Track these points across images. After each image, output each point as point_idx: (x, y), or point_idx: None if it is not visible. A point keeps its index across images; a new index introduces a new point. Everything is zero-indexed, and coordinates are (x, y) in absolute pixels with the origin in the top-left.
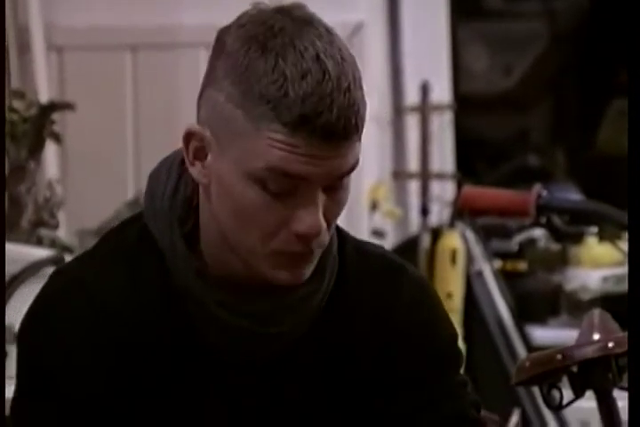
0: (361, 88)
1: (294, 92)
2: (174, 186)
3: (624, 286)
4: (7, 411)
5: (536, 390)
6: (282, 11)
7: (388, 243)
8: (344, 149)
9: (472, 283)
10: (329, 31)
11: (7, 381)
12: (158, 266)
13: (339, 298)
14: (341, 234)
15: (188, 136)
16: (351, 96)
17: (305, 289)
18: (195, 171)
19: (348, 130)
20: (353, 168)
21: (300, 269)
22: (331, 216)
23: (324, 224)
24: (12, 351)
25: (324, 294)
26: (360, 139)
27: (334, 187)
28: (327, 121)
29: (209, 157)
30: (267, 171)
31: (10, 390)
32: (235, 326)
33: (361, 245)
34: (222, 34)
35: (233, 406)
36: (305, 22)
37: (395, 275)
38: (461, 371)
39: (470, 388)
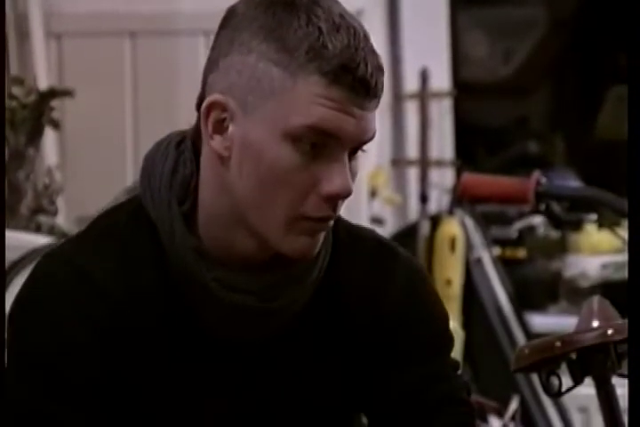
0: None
1: (332, 44)
2: (172, 166)
3: (623, 273)
4: None
5: (535, 377)
6: None
7: (388, 230)
8: (371, 110)
9: (471, 270)
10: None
11: None
12: (153, 246)
13: (332, 277)
14: None
15: (210, 107)
16: (378, 56)
17: (302, 264)
18: (215, 144)
19: (377, 88)
20: (373, 137)
21: (314, 241)
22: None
23: (352, 185)
24: None
25: (320, 270)
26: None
27: (353, 156)
28: (363, 74)
29: (230, 128)
30: (305, 128)
31: None
32: (234, 304)
33: (353, 228)
34: (233, 8)
35: (235, 384)
36: None
37: (387, 257)
38: (452, 354)
39: (461, 371)
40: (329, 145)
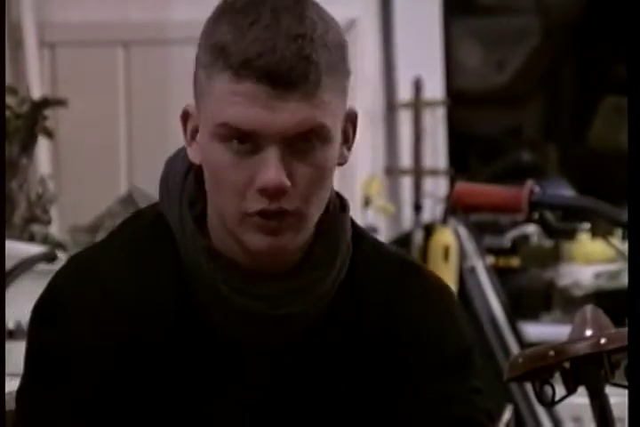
0: (335, 50)
1: (242, 39)
2: (186, 169)
3: (616, 282)
4: (7, 407)
5: (529, 386)
6: None
7: (381, 239)
8: (294, 101)
9: (465, 279)
10: (323, 10)
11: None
12: (171, 252)
13: (351, 289)
14: (357, 229)
15: (184, 116)
16: (305, 46)
17: (314, 274)
18: (191, 151)
19: (294, 78)
20: (314, 129)
21: (277, 236)
22: (306, 181)
23: (285, 180)
24: (9, 349)
25: (334, 281)
26: (327, 101)
27: (302, 149)
28: (267, 63)
29: (197, 136)
30: (220, 127)
31: (8, 386)
32: (245, 309)
33: (381, 245)
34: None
35: (247, 390)
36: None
37: (411, 273)
38: (477, 379)
39: (483, 397)
40: (253, 140)
